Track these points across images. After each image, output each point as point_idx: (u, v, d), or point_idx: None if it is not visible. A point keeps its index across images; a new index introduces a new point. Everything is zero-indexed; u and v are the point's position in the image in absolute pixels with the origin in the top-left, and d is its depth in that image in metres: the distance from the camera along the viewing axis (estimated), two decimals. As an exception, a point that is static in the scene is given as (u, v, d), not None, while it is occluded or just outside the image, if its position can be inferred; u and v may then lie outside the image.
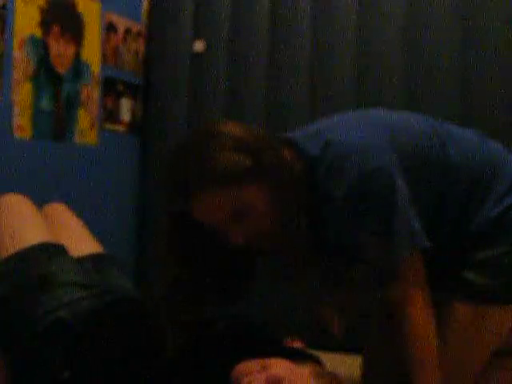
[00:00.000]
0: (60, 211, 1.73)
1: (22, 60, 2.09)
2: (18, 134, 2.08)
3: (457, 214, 1.21)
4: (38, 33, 2.15)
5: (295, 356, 1.18)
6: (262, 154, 1.10)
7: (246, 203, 1.10)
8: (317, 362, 1.23)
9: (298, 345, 1.48)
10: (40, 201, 1.72)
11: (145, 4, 2.72)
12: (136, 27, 2.67)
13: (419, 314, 1.13)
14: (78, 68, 2.34)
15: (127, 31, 2.62)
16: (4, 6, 2.01)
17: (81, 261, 1.53)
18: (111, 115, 2.54)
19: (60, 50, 2.25)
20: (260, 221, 1.12)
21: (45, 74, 2.18)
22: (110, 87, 2.53)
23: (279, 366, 1.07)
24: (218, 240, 1.16)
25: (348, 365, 2.12)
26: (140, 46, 2.70)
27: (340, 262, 1.27)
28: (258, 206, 1.10)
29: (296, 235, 1.15)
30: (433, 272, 1.16)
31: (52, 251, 1.45)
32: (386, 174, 1.10)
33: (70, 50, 2.30)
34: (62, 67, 2.26)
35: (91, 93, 2.41)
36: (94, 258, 1.58)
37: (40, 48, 2.16)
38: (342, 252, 1.20)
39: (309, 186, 1.16)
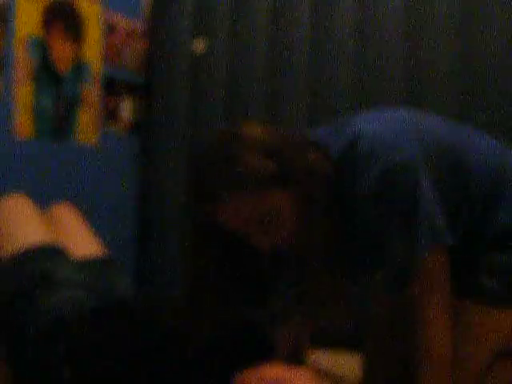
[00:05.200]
0: (65, 212, 1.73)
1: (22, 60, 2.09)
2: (18, 134, 2.08)
3: (474, 216, 1.20)
4: (39, 32, 2.15)
5: (293, 359, 1.19)
6: (289, 158, 1.08)
7: (273, 208, 1.08)
8: (314, 365, 1.23)
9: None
10: (41, 201, 1.72)
11: (146, 4, 2.71)
12: (137, 27, 2.67)
13: (438, 321, 1.11)
14: (79, 68, 2.34)
15: (128, 31, 2.62)
16: (5, 6, 2.01)
17: (81, 263, 1.53)
18: (112, 115, 2.54)
19: (61, 50, 2.24)
20: (287, 225, 1.10)
21: (46, 73, 2.18)
22: (111, 87, 2.53)
23: (276, 369, 1.08)
24: (244, 244, 1.14)
25: (348, 365, 2.13)
26: (141, 45, 2.70)
27: (360, 267, 1.25)
28: (284, 210, 1.09)
29: (322, 238, 1.14)
30: None
31: (52, 252, 1.45)
32: (411, 170, 1.09)
33: (71, 50, 2.30)
34: (62, 67, 2.26)
35: (92, 93, 2.41)
36: (94, 260, 1.58)
37: (41, 48, 2.16)
38: (364, 252, 1.19)
39: (335, 185, 1.14)
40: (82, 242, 1.62)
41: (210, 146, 1.13)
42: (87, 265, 1.55)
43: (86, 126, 2.38)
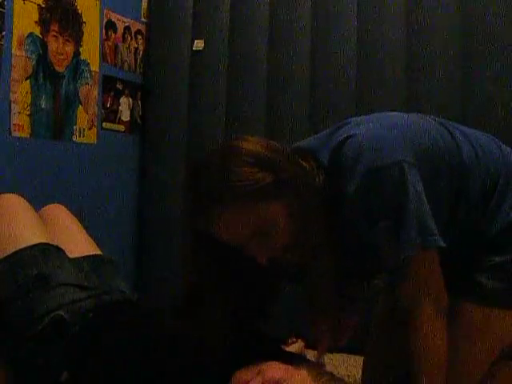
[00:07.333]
0: (58, 212, 1.72)
1: (20, 58, 2.08)
2: (16, 133, 2.08)
3: (474, 216, 1.19)
4: (37, 31, 2.14)
5: (293, 359, 1.18)
6: (283, 170, 1.09)
7: (268, 220, 1.08)
8: (314, 365, 1.22)
9: (299, 344, 1.47)
10: (38, 200, 1.71)
11: (144, 2, 2.71)
12: (135, 25, 2.66)
13: (429, 322, 1.10)
14: (77, 66, 2.33)
15: (127, 29, 2.61)
16: (2, 5, 2.00)
17: (78, 262, 1.52)
18: (110, 114, 2.53)
19: (59, 49, 2.24)
20: (283, 237, 1.10)
21: (44, 72, 2.17)
22: (110, 86, 2.52)
23: (275, 369, 1.07)
24: (242, 258, 1.14)
25: (348, 365, 2.12)
26: (139, 44, 2.69)
27: (357, 270, 1.25)
28: (280, 222, 1.08)
29: (320, 248, 1.13)
30: (444, 272, 1.13)
31: (49, 252, 1.44)
32: (398, 171, 1.08)
33: (69, 49, 2.29)
34: (60, 65, 2.25)
35: (90, 91, 2.41)
36: (91, 260, 1.57)
37: (39, 46, 2.15)
38: (359, 255, 1.18)
39: (329, 191, 1.14)
40: (76, 242, 1.61)
41: (206, 159, 1.14)
42: (85, 264, 1.54)
43: (84, 125, 2.38)
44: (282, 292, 1.29)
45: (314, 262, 1.16)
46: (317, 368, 1.18)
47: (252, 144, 1.12)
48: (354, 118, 1.26)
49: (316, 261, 1.16)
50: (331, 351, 1.34)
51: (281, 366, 1.10)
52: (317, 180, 1.15)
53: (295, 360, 1.19)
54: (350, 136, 1.13)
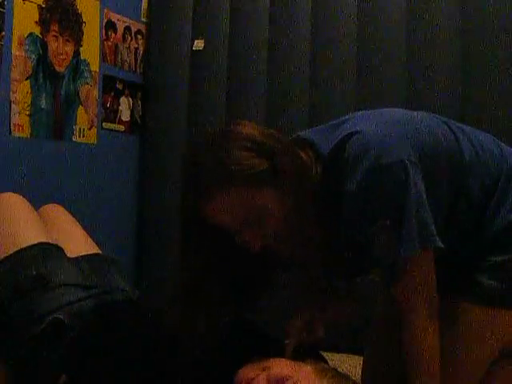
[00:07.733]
0: (57, 212, 1.73)
1: (20, 58, 2.08)
2: (16, 133, 2.07)
3: (474, 215, 1.19)
4: (37, 31, 2.14)
5: (297, 354, 1.18)
6: (279, 157, 1.08)
7: (261, 206, 1.07)
8: (320, 358, 1.22)
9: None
10: (38, 200, 1.72)
11: (144, 2, 2.71)
12: (135, 25, 2.66)
13: (421, 321, 1.10)
14: (77, 66, 2.33)
15: (127, 29, 2.61)
16: (2, 5, 2.00)
17: (77, 261, 1.52)
18: (110, 114, 2.53)
19: (59, 49, 2.24)
20: (276, 224, 1.09)
21: (44, 72, 2.17)
22: (110, 86, 2.52)
23: (280, 366, 1.07)
24: (235, 245, 1.13)
25: (348, 365, 2.12)
26: (139, 44, 2.69)
27: (351, 267, 1.25)
28: (273, 209, 1.08)
29: (313, 240, 1.13)
30: (444, 272, 1.14)
31: (49, 252, 1.44)
32: (400, 170, 1.08)
33: (69, 49, 2.29)
34: (60, 65, 2.25)
35: (90, 91, 2.40)
36: (90, 259, 1.57)
37: (39, 46, 2.15)
38: (354, 251, 1.18)
39: (327, 185, 1.14)
40: (75, 242, 1.61)
41: (202, 143, 1.14)
42: (84, 263, 1.54)
43: (84, 125, 2.37)
44: (276, 282, 1.28)
45: (304, 253, 1.16)
46: (321, 364, 1.17)
47: (250, 129, 1.11)
48: (359, 113, 1.25)
49: (307, 252, 1.16)
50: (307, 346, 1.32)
51: (286, 361, 1.10)
52: (314, 171, 1.14)
53: (300, 354, 1.18)
54: (355, 132, 1.12)
